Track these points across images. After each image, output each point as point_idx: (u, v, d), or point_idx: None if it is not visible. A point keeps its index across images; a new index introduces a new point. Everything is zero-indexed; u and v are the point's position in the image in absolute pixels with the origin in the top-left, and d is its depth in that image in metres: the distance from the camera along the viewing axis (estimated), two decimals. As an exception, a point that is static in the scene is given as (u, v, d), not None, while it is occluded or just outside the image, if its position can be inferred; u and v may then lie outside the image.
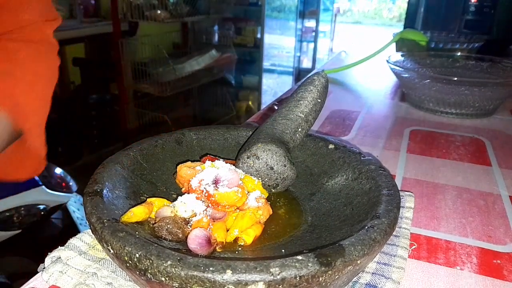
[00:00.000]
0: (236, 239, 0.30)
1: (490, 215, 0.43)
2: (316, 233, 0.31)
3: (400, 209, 0.35)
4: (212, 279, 0.21)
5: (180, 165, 0.35)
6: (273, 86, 3.72)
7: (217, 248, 0.29)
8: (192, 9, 2.18)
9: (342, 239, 0.25)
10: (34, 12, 0.39)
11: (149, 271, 0.22)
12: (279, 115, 0.39)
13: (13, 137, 0.36)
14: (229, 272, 0.21)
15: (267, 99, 3.15)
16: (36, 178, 1.18)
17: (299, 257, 0.23)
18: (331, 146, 0.39)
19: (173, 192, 0.36)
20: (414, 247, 0.37)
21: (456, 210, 0.43)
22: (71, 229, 1.24)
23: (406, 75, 0.75)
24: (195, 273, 0.21)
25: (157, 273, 0.22)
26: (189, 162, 0.36)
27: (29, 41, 0.37)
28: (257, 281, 0.21)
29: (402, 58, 0.86)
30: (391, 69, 0.79)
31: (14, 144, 0.36)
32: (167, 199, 0.32)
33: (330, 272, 0.23)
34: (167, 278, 0.22)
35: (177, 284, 0.22)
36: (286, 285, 0.22)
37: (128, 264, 0.23)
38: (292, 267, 0.22)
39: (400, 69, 0.76)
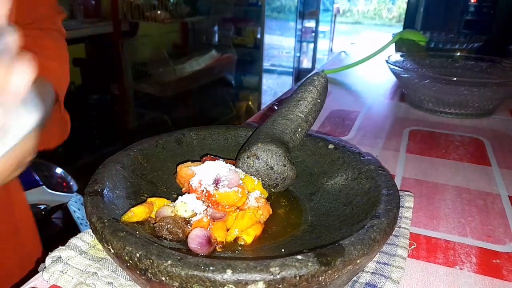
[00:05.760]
0: (236, 239, 0.30)
1: (489, 215, 0.43)
2: (316, 233, 0.31)
3: (400, 208, 0.35)
4: (212, 279, 0.21)
5: (180, 165, 0.35)
6: (273, 86, 3.72)
7: (217, 247, 0.29)
8: (192, 10, 2.18)
9: (342, 239, 0.25)
10: (48, 5, 0.47)
11: (150, 271, 0.22)
12: (279, 115, 0.39)
13: (53, 106, 0.42)
14: (229, 271, 0.21)
15: (267, 99, 3.15)
16: (37, 178, 1.18)
17: (299, 257, 0.23)
18: (330, 146, 0.39)
19: (173, 192, 0.36)
20: (413, 246, 0.37)
21: (456, 210, 0.43)
22: (72, 229, 1.23)
23: (406, 75, 0.75)
24: (196, 272, 0.22)
25: (158, 272, 0.22)
26: (189, 162, 0.36)
27: (48, 29, 0.46)
28: (257, 281, 0.22)
29: (402, 58, 0.86)
30: (391, 69, 0.79)
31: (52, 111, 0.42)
32: (168, 199, 0.32)
33: (329, 271, 0.23)
34: (167, 278, 0.22)
35: (177, 284, 0.22)
36: (286, 285, 0.22)
37: (128, 264, 0.23)
38: (292, 267, 0.22)
39: (400, 69, 0.76)
